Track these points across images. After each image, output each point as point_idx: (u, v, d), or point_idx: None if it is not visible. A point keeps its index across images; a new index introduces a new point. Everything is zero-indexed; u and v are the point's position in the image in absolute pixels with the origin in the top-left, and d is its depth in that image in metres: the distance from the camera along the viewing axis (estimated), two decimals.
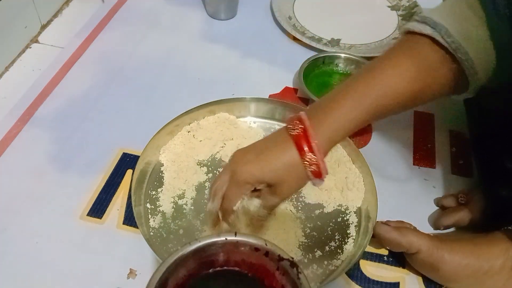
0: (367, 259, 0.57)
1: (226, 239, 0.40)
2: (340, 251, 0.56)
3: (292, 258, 0.39)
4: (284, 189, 0.47)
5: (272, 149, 0.47)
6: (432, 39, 0.46)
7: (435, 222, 0.60)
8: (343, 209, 0.60)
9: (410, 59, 0.47)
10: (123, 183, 0.63)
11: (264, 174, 0.46)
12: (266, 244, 0.39)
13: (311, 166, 0.45)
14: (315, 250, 0.56)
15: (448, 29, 0.45)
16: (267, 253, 0.39)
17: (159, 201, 0.60)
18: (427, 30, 0.46)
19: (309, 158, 0.45)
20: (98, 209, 0.60)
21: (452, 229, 0.59)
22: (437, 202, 0.62)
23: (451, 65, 0.46)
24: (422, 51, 0.47)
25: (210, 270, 0.41)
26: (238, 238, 0.40)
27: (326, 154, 0.47)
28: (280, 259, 0.39)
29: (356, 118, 0.46)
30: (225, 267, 0.41)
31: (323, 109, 0.47)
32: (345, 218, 0.59)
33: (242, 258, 0.40)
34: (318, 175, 0.46)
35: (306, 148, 0.45)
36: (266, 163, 0.46)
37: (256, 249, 0.40)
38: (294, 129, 0.46)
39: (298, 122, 0.46)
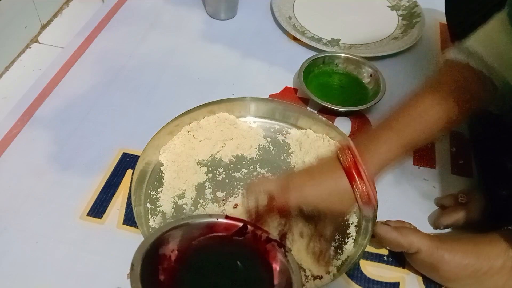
0: (367, 259, 0.57)
1: (217, 219, 0.43)
2: (340, 251, 0.56)
3: (279, 240, 0.41)
4: (332, 216, 0.49)
5: (325, 177, 0.48)
6: (468, 66, 0.48)
7: (435, 221, 0.60)
8: None
9: (447, 85, 0.49)
10: (123, 183, 0.63)
11: (317, 198, 0.48)
12: (254, 227, 0.43)
13: (362, 196, 0.47)
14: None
15: (481, 55, 0.47)
16: (255, 235, 0.42)
17: (159, 201, 0.60)
18: (462, 57, 0.48)
19: (360, 187, 0.47)
20: (98, 209, 0.60)
21: (452, 229, 0.59)
22: (437, 202, 0.62)
23: (488, 87, 0.48)
24: (461, 78, 0.49)
25: (201, 247, 0.44)
26: (228, 221, 0.43)
27: (375, 182, 0.49)
28: (268, 240, 0.42)
29: (396, 151, 0.48)
30: (216, 245, 0.45)
31: (371, 140, 0.49)
32: (345, 218, 0.59)
33: (233, 237, 0.43)
34: (368, 203, 0.48)
35: (356, 178, 0.47)
36: (319, 189, 0.48)
37: (246, 231, 0.43)
38: (345, 159, 0.48)
39: (348, 151, 0.48)
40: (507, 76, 0.46)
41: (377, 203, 0.49)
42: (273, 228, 0.49)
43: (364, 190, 0.47)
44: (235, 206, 0.60)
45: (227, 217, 0.44)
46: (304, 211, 0.48)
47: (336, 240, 0.57)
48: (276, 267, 0.43)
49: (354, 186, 0.47)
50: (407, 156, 0.52)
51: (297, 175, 0.50)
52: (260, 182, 0.51)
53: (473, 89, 0.48)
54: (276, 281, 0.42)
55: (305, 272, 0.54)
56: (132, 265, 0.38)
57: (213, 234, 0.44)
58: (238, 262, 0.43)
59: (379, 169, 0.49)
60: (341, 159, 0.48)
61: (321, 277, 0.53)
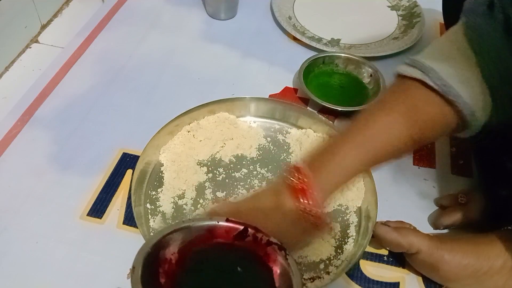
0: (367, 259, 0.57)
1: (217, 222, 0.43)
2: (340, 251, 0.56)
3: (281, 242, 0.41)
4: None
5: (269, 201, 0.46)
6: (423, 83, 0.45)
7: (434, 221, 0.60)
8: (343, 209, 0.60)
9: (404, 105, 0.46)
10: (123, 183, 0.63)
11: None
12: (255, 230, 0.42)
13: (311, 218, 0.44)
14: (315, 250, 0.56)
15: (438, 72, 0.44)
16: (256, 238, 0.42)
17: (159, 201, 0.60)
18: (417, 74, 0.45)
19: (308, 209, 0.44)
20: (98, 209, 0.60)
21: (452, 229, 0.59)
22: (437, 202, 0.62)
23: (444, 107, 0.45)
24: (415, 96, 0.46)
25: (201, 250, 0.43)
26: (229, 224, 0.43)
27: (326, 203, 0.46)
28: (269, 243, 0.41)
29: (352, 169, 0.46)
30: (217, 248, 0.44)
31: (320, 159, 0.46)
32: (345, 218, 0.59)
33: (233, 240, 0.43)
34: (320, 224, 0.45)
35: (301, 199, 0.44)
36: (264, 217, 0.45)
37: (246, 234, 0.42)
38: (292, 179, 0.45)
39: (295, 171, 0.45)
40: (467, 97, 0.44)
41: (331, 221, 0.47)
42: None
43: (314, 213, 0.44)
44: None
45: (227, 220, 0.43)
46: None
47: (336, 240, 0.57)
48: (277, 270, 0.42)
49: (300, 209, 0.44)
50: (363, 173, 0.48)
51: (243, 207, 0.47)
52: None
53: (428, 107, 0.45)
54: (277, 284, 0.42)
55: (303, 275, 0.54)
56: (133, 267, 0.38)
57: (213, 238, 0.44)
58: (238, 267, 0.43)
59: (328, 189, 0.46)
60: (288, 182, 0.45)
61: (321, 277, 0.53)
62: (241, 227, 0.43)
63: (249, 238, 0.42)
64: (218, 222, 0.43)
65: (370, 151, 0.46)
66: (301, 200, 0.44)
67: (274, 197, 0.46)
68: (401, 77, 0.48)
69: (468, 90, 0.44)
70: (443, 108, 0.45)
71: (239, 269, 0.43)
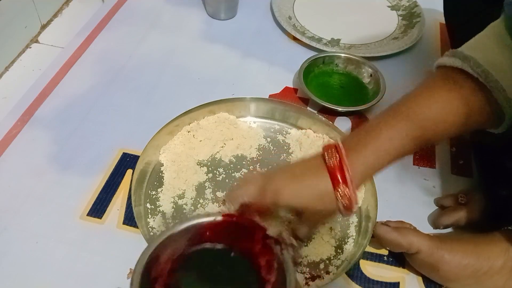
0: (367, 259, 0.57)
1: (214, 219, 0.43)
2: (340, 251, 0.56)
3: (276, 237, 0.41)
4: (312, 218, 0.47)
5: (307, 177, 0.45)
6: (463, 71, 0.45)
7: (434, 221, 0.60)
8: None
9: (447, 92, 0.46)
10: (123, 183, 0.63)
11: (296, 199, 0.45)
12: (254, 223, 0.43)
13: (343, 199, 0.44)
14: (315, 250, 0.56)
15: (477, 60, 0.44)
16: (253, 232, 0.42)
17: (159, 201, 0.60)
18: (457, 63, 0.45)
19: (342, 191, 0.44)
20: (98, 209, 0.60)
21: (452, 229, 0.59)
22: (437, 202, 0.62)
23: (485, 95, 0.45)
24: (456, 83, 0.46)
25: (199, 247, 0.44)
26: (225, 218, 0.44)
27: (359, 187, 0.46)
28: (265, 237, 0.42)
29: (392, 152, 0.45)
30: (214, 244, 0.45)
31: (360, 140, 0.45)
32: (345, 218, 0.59)
33: (230, 236, 0.43)
34: (349, 208, 0.45)
35: (340, 180, 0.43)
36: (300, 188, 0.45)
37: (244, 228, 0.43)
38: (330, 158, 0.44)
39: (335, 151, 0.44)
40: (506, 85, 0.43)
41: (357, 207, 0.46)
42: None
43: (346, 194, 0.43)
44: None
45: (224, 215, 0.44)
46: (284, 211, 0.46)
47: (336, 240, 0.57)
48: (273, 264, 0.43)
49: (336, 189, 0.43)
50: (403, 156, 0.46)
51: (278, 175, 0.47)
52: (240, 187, 0.48)
53: (470, 96, 0.45)
54: (272, 279, 0.42)
55: (305, 274, 0.54)
56: (132, 280, 0.39)
57: (209, 234, 0.44)
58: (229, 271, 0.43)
59: (367, 172, 0.45)
60: (326, 159, 0.44)
61: (321, 277, 0.53)
62: (237, 220, 0.43)
63: (246, 232, 0.42)
64: (215, 218, 0.43)
65: (411, 138, 0.45)
66: (338, 179, 0.43)
67: (310, 172, 0.45)
68: (442, 68, 0.47)
69: (506, 78, 0.44)
70: (483, 96, 0.45)
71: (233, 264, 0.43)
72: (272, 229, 0.46)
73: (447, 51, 0.48)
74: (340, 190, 0.44)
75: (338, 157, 0.44)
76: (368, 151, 0.44)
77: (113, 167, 0.65)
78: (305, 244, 0.56)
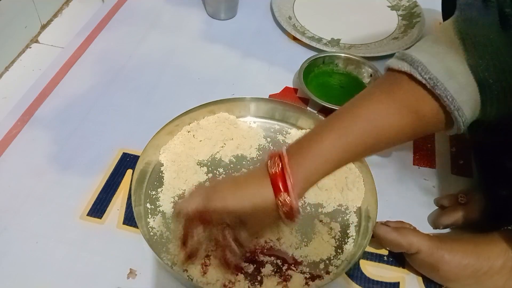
0: (367, 259, 0.57)
1: None
2: (340, 251, 0.56)
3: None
4: (255, 226, 0.48)
5: (249, 185, 0.46)
6: (411, 76, 0.45)
7: (434, 221, 0.60)
8: (343, 209, 0.60)
9: (390, 96, 0.46)
10: (123, 183, 0.63)
11: (237, 205, 0.46)
12: None
13: (284, 207, 0.44)
14: (315, 250, 0.56)
15: (426, 66, 0.44)
16: None
17: (159, 201, 0.60)
18: (404, 67, 0.45)
19: (283, 198, 0.44)
20: (98, 209, 0.60)
21: (452, 229, 0.59)
22: (437, 202, 0.62)
23: (432, 102, 0.45)
24: (402, 88, 0.45)
25: None
26: None
27: (302, 195, 0.46)
28: None
29: (335, 158, 0.45)
30: None
31: (303, 147, 0.46)
32: (345, 218, 0.59)
33: None
34: (290, 216, 0.45)
35: (281, 188, 0.44)
36: (241, 194, 0.46)
37: None
38: (273, 166, 0.45)
39: (278, 159, 0.45)
40: (454, 92, 0.43)
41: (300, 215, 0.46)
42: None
43: (287, 202, 0.44)
44: None
45: None
46: (227, 220, 0.47)
47: (336, 240, 0.57)
48: None
49: (277, 197, 0.44)
50: (347, 162, 0.47)
51: (222, 184, 0.48)
52: (185, 199, 0.49)
53: (416, 101, 0.45)
54: None
55: (305, 274, 0.54)
56: None
57: None
58: None
59: (310, 179, 0.45)
60: (269, 167, 0.45)
61: (321, 277, 0.53)
62: None
63: None
64: None
65: (353, 143, 0.45)
66: (279, 187, 0.44)
67: (253, 181, 0.46)
68: (390, 71, 0.47)
69: (455, 85, 0.43)
70: (431, 103, 0.45)
71: None
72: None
73: (397, 52, 0.47)
74: (281, 198, 0.44)
75: (280, 165, 0.44)
76: (309, 158, 0.45)
77: (113, 167, 0.65)
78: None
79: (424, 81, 0.44)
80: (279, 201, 0.44)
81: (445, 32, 0.46)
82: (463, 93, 0.44)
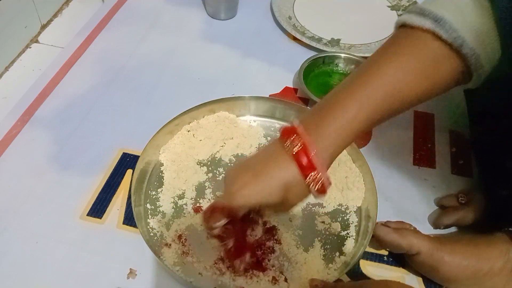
0: (367, 259, 0.57)
1: None
2: (340, 251, 0.56)
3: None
4: (285, 208, 0.46)
5: (270, 172, 0.43)
6: (433, 34, 0.42)
7: (435, 221, 0.60)
8: (343, 209, 0.60)
9: (414, 56, 0.43)
10: (123, 183, 0.63)
11: (263, 197, 0.43)
12: None
13: (315, 185, 0.42)
14: (315, 250, 0.56)
15: (452, 24, 0.41)
16: None
17: (159, 201, 0.60)
18: (428, 24, 0.42)
19: (314, 177, 0.42)
20: (98, 209, 0.60)
21: (452, 229, 0.59)
22: (437, 202, 0.62)
23: (455, 60, 0.42)
24: (425, 48, 0.43)
25: None
26: None
27: (329, 166, 0.44)
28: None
29: (360, 127, 0.43)
30: None
31: (324, 119, 0.42)
32: (345, 218, 0.59)
33: None
34: (323, 191, 0.43)
35: (308, 167, 0.41)
36: (265, 185, 0.43)
37: None
38: (292, 145, 0.42)
39: (296, 137, 0.42)
40: (479, 51, 0.41)
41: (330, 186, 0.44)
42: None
43: (317, 178, 0.41)
44: None
45: None
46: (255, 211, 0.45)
47: (336, 240, 0.57)
48: None
49: (306, 177, 0.41)
50: (370, 129, 0.45)
51: (240, 177, 0.44)
52: (210, 209, 0.46)
53: (439, 61, 0.42)
54: None
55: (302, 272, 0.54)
56: None
57: None
58: None
59: (336, 150, 0.43)
60: (289, 146, 0.42)
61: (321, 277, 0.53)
62: None
63: None
64: None
65: (377, 107, 0.42)
66: (304, 165, 0.41)
67: (273, 163, 0.43)
68: (407, 27, 0.44)
69: (479, 42, 0.41)
70: (455, 62, 0.43)
71: None
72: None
73: (412, 7, 0.44)
74: (311, 177, 0.42)
75: (300, 143, 0.41)
76: (333, 131, 0.42)
77: (113, 167, 0.65)
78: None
79: (450, 40, 0.41)
80: (309, 180, 0.42)
81: None
82: (486, 51, 0.42)
